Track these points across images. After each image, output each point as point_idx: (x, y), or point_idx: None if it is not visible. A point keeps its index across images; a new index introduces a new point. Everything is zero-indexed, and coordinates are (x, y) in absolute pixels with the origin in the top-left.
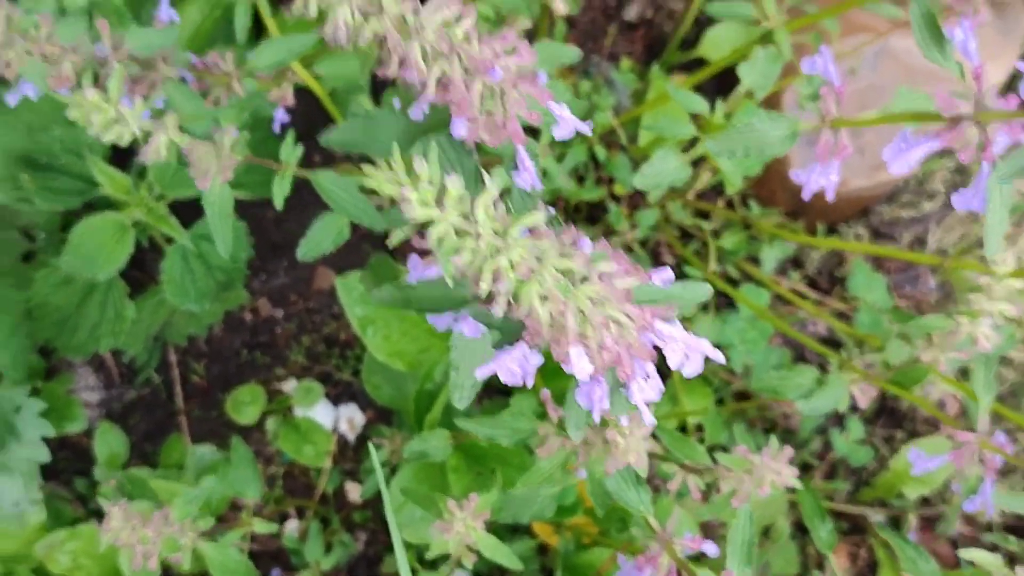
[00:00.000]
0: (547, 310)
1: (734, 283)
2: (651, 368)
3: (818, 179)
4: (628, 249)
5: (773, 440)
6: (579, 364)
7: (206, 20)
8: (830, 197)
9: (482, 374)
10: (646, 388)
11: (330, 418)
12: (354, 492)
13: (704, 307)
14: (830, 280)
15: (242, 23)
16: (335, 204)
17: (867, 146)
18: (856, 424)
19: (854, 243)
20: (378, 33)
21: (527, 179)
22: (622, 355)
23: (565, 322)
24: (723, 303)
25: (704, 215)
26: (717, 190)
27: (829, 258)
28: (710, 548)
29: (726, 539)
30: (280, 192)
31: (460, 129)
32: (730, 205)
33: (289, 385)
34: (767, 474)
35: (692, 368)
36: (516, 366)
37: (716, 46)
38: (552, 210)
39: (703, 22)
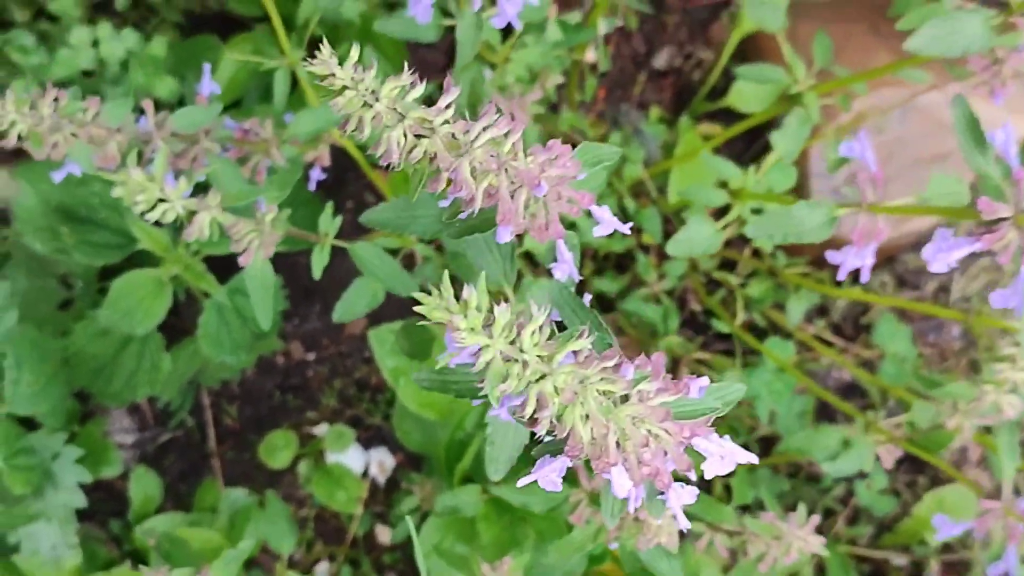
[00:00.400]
0: (589, 430)
1: (760, 332)
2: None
3: (853, 260)
4: (656, 300)
5: (801, 508)
6: (620, 481)
7: (240, 71)
8: (865, 279)
9: (523, 483)
10: (683, 494)
11: (361, 462)
12: (384, 535)
13: (730, 354)
14: (855, 327)
15: (281, 90)
16: (371, 272)
17: (892, 196)
18: (879, 475)
19: (879, 295)
20: (429, 152)
21: (565, 270)
22: (660, 470)
23: (607, 443)
24: (749, 348)
25: (731, 264)
26: (744, 237)
27: (854, 305)
28: None
29: None
30: (319, 262)
31: (504, 236)
32: (756, 253)
33: (321, 429)
34: (794, 541)
35: (726, 469)
36: (557, 476)
37: (744, 98)
38: (598, 317)
39: (731, 71)
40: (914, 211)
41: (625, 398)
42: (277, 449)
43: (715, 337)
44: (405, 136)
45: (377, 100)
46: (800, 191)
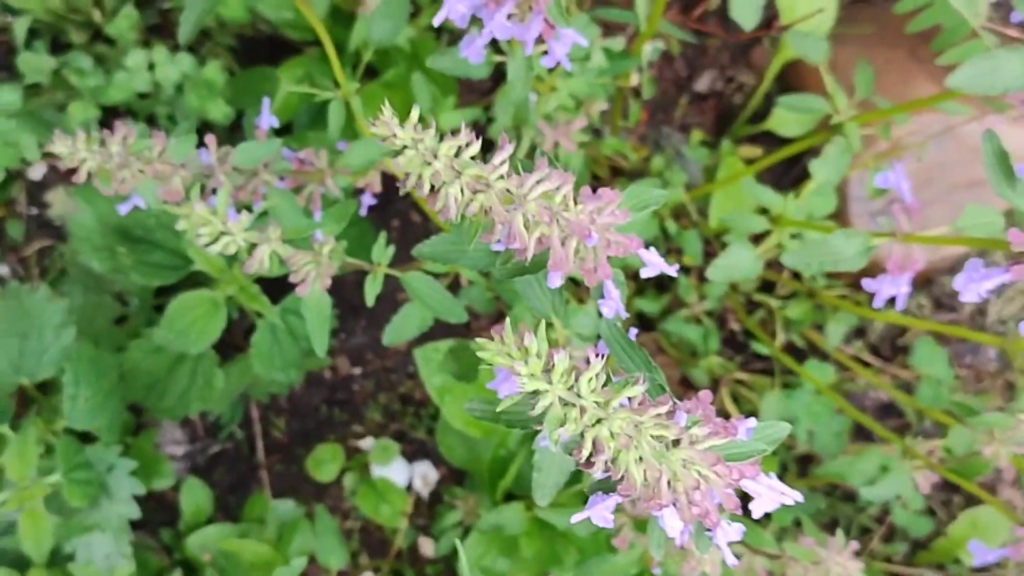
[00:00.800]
0: (642, 472)
1: (799, 352)
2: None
3: (889, 288)
4: (696, 320)
5: (839, 534)
6: (671, 521)
7: (291, 95)
8: (900, 306)
9: (576, 519)
10: (729, 531)
11: (405, 475)
12: (427, 547)
13: (768, 373)
14: (892, 348)
15: (336, 122)
16: (421, 300)
17: (930, 220)
18: (916, 497)
19: (916, 317)
20: (484, 205)
21: (612, 307)
22: (709, 510)
23: (659, 486)
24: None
25: (770, 284)
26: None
27: (891, 327)
28: None
29: None
30: (372, 291)
31: (556, 281)
32: (796, 275)
33: (366, 443)
34: (833, 567)
35: (772, 507)
36: (609, 513)
37: (784, 122)
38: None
39: (771, 95)
40: (948, 242)
41: (677, 442)
42: (324, 462)
43: (753, 356)
44: (462, 192)
45: (436, 158)
46: (840, 216)
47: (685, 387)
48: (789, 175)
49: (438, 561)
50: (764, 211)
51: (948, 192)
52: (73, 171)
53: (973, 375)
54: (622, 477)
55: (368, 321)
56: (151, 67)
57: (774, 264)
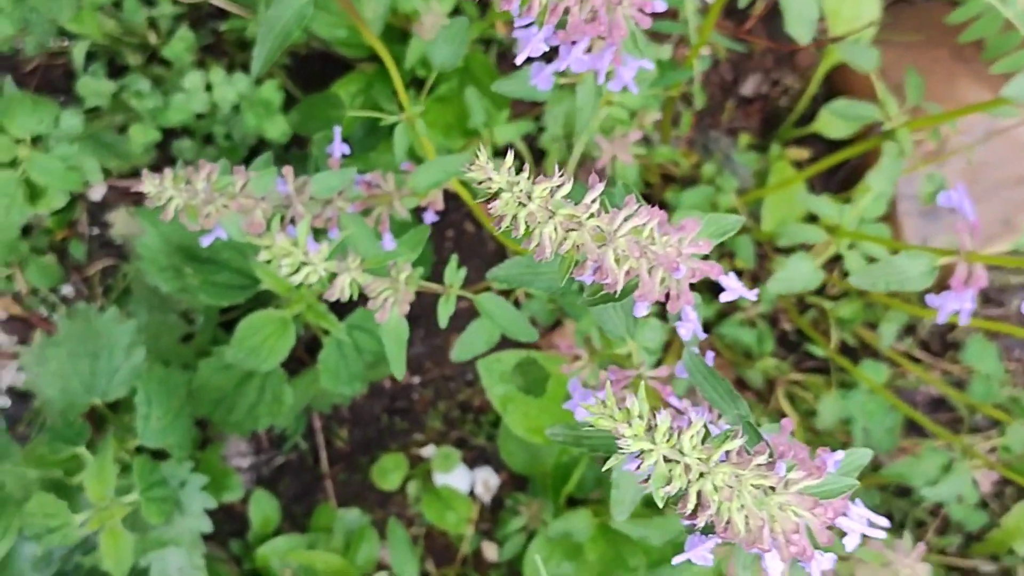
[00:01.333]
0: (744, 519)
1: (851, 351)
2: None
3: (953, 305)
4: (751, 324)
5: (907, 536)
6: (773, 565)
7: (352, 105)
8: (964, 322)
9: (678, 561)
10: (823, 561)
11: (467, 481)
12: (491, 551)
13: (822, 371)
14: (942, 344)
15: (402, 146)
16: (491, 318)
17: (980, 217)
18: (972, 491)
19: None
20: (577, 243)
21: (690, 328)
22: (806, 548)
23: (761, 533)
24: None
25: (821, 284)
26: (835, 257)
27: (941, 323)
28: None
29: None
30: (445, 313)
31: (642, 310)
32: (846, 275)
33: (428, 450)
34: (902, 569)
35: (861, 537)
36: (708, 554)
37: (831, 125)
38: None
39: (817, 97)
40: (1012, 262)
41: (774, 487)
42: (388, 471)
43: (806, 355)
44: (556, 231)
45: (530, 200)
46: (890, 215)
47: (740, 387)
48: (836, 175)
49: (501, 565)
50: (814, 217)
51: (995, 189)
52: (137, 194)
53: (1022, 368)
54: (726, 522)
55: (426, 331)
56: (208, 88)
57: (825, 265)
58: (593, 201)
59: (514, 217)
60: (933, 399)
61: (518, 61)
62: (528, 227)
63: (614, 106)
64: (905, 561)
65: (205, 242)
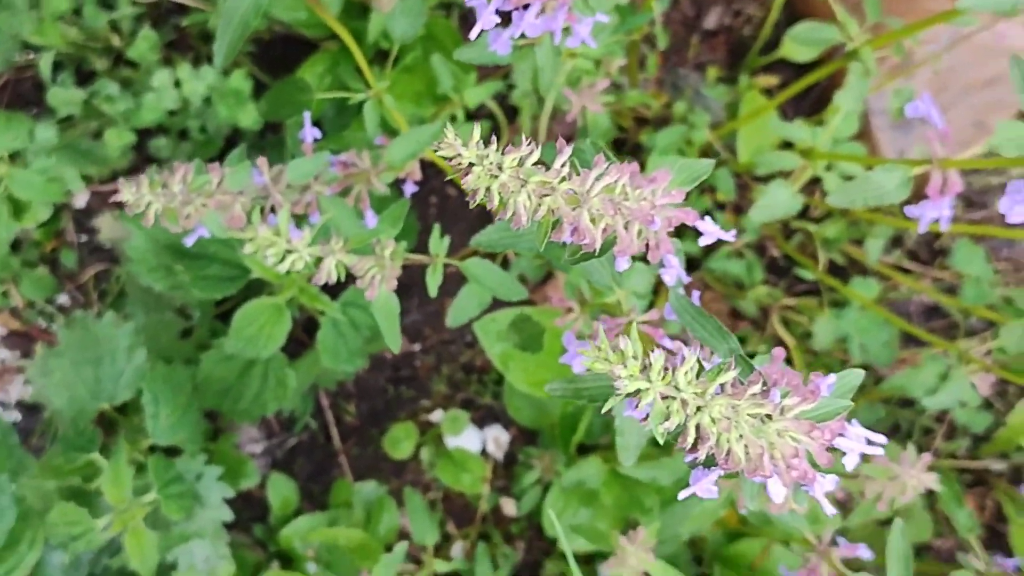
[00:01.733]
0: (744, 448)
1: (840, 270)
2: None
3: (932, 213)
4: (738, 254)
5: (911, 448)
6: (775, 491)
7: (320, 87)
8: (944, 228)
9: (684, 495)
10: (825, 483)
11: (478, 440)
12: (509, 506)
13: (813, 294)
14: (930, 252)
15: (373, 121)
16: (480, 283)
17: (950, 124)
18: (972, 395)
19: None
20: (551, 207)
21: (673, 274)
22: (807, 471)
23: (762, 460)
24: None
25: (804, 207)
26: (815, 180)
27: (927, 232)
28: (864, 552)
29: (880, 547)
30: (433, 283)
31: (623, 264)
32: (827, 196)
33: (436, 415)
34: (909, 480)
35: (860, 455)
36: (712, 486)
37: (797, 49)
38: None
39: (781, 24)
40: (984, 164)
41: (771, 416)
42: (399, 441)
43: (797, 280)
44: (529, 199)
45: (501, 171)
46: (864, 133)
47: (735, 318)
48: (808, 98)
49: (521, 519)
50: (789, 144)
51: (965, 93)
52: (119, 201)
53: (1012, 266)
54: (726, 453)
55: (420, 298)
56: (177, 84)
57: (805, 188)
58: (563, 165)
59: (487, 189)
60: (927, 307)
61: (472, 36)
62: (502, 197)
63: (578, 58)
64: (911, 472)
65: (189, 242)
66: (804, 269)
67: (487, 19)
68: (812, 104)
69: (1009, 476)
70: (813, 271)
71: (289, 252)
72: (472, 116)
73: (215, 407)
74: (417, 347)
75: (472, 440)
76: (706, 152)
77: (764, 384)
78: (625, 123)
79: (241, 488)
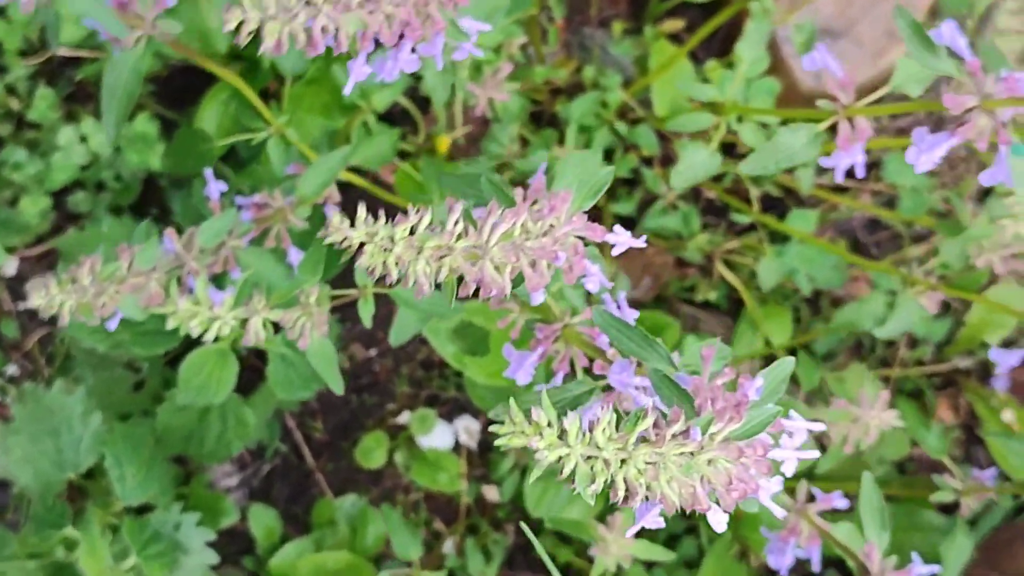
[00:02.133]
0: (676, 489)
1: (780, 203)
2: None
3: (846, 162)
4: (673, 207)
5: (869, 389)
6: (717, 520)
7: (223, 119)
8: (861, 175)
9: (631, 533)
10: (770, 487)
11: (449, 434)
12: (492, 493)
13: (755, 229)
14: (865, 167)
15: (279, 156)
16: (411, 308)
17: (862, 36)
18: (922, 313)
19: (877, 137)
20: (452, 267)
21: (596, 281)
22: (747, 486)
23: (696, 496)
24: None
25: (730, 147)
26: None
27: None
28: (840, 502)
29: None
30: (366, 314)
31: (538, 298)
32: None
33: (404, 417)
34: (871, 421)
35: (799, 450)
36: (658, 517)
37: None
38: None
39: None
40: (890, 110)
41: (702, 448)
42: (371, 450)
43: (735, 221)
44: (428, 265)
45: (394, 243)
46: (775, 65)
47: (681, 267)
48: (716, 38)
49: (505, 504)
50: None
51: (873, 4)
52: (47, 254)
53: (946, 165)
54: (659, 497)
55: None
56: (83, 139)
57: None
58: (456, 223)
59: (383, 264)
60: (870, 220)
61: (346, 92)
62: (400, 271)
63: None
64: (872, 413)
65: (111, 326)
66: (739, 213)
67: (359, 72)
68: (723, 41)
69: (978, 373)
70: (748, 213)
71: (213, 320)
72: (384, 117)
73: (181, 452)
74: (373, 352)
75: (444, 435)
76: (623, 112)
77: (690, 408)
78: (540, 96)
79: (221, 527)
